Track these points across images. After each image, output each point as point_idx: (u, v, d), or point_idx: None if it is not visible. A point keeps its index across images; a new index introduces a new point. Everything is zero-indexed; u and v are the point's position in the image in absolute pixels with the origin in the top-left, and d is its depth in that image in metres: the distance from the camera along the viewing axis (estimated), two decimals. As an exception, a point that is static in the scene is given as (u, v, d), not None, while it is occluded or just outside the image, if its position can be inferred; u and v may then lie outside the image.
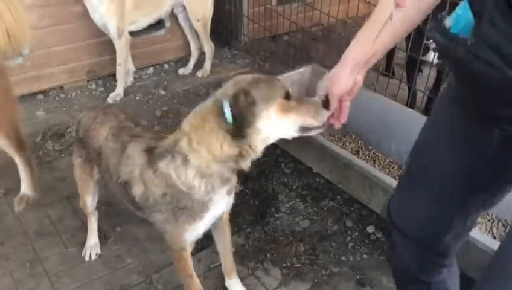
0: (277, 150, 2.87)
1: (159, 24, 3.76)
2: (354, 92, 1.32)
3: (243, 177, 2.75)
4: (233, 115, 1.36)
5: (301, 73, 3.15)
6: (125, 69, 3.51)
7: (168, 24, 3.83)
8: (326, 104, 1.38)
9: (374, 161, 2.75)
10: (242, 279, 2.08)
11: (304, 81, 3.18)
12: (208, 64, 3.84)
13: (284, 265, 2.19)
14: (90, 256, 2.20)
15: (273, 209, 2.50)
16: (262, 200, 2.56)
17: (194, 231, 1.61)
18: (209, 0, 3.66)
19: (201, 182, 1.48)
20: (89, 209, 2.15)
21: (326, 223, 2.42)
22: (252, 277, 2.14)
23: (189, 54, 3.90)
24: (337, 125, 1.42)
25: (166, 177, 1.51)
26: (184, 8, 3.63)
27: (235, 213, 2.45)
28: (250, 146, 1.43)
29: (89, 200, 2.11)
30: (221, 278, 2.07)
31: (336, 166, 2.48)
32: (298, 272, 2.16)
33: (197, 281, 1.82)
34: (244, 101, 1.35)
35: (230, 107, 1.37)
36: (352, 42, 1.28)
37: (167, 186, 1.52)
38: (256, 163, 2.83)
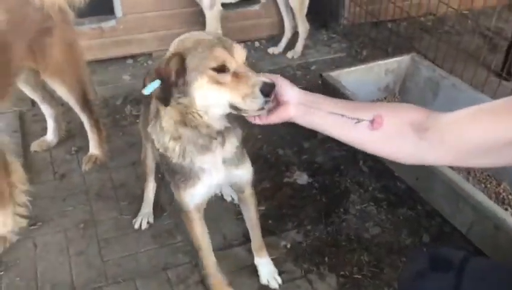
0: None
1: (253, -1, 3.61)
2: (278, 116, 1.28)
3: (312, 169, 2.54)
4: (161, 79, 1.28)
5: (399, 62, 2.83)
6: (213, 42, 3.40)
7: (263, -1, 3.65)
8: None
9: (469, 172, 2.37)
10: (292, 280, 1.90)
11: (401, 70, 2.85)
12: (300, 46, 3.60)
13: (341, 273, 1.95)
14: (140, 225, 2.14)
15: (342, 210, 2.25)
16: (331, 197, 2.32)
17: (191, 197, 1.57)
18: (309, -24, 3.41)
19: (175, 144, 1.45)
20: (150, 158, 2.08)
21: (400, 234, 2.12)
22: (304, 280, 1.93)
23: (282, 32, 3.69)
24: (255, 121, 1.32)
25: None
26: (282, -18, 3.43)
27: (297, 207, 2.26)
28: (193, 113, 1.35)
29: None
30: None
31: (420, 171, 2.15)
32: (357, 283, 1.91)
33: (207, 254, 1.75)
34: (175, 67, 1.28)
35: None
36: (323, 99, 1.24)
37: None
38: (330, 156, 2.66)
